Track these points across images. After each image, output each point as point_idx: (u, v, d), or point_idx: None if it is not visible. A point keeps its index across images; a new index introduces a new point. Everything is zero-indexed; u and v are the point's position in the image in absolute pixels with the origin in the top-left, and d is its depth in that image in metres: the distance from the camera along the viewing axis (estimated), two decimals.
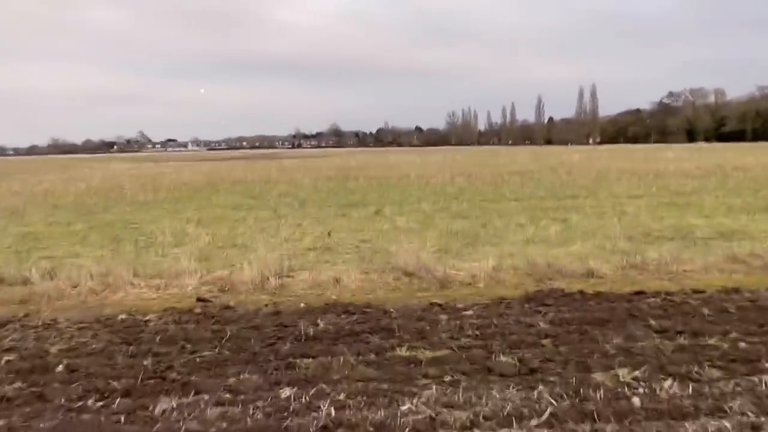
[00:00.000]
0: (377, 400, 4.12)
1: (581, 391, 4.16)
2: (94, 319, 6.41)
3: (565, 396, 4.10)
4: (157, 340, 5.53)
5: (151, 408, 4.10)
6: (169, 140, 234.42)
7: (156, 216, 14.39)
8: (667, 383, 4.28)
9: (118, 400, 4.25)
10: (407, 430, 3.72)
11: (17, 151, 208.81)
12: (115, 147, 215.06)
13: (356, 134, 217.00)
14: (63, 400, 4.26)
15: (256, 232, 11.40)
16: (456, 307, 6.52)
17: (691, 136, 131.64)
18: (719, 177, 21.49)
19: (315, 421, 3.83)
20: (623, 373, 4.46)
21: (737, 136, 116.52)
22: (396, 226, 11.76)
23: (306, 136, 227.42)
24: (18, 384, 4.57)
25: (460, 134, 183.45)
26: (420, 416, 3.88)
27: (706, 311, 5.98)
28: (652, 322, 5.63)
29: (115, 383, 4.50)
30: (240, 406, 4.09)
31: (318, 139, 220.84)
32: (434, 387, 4.30)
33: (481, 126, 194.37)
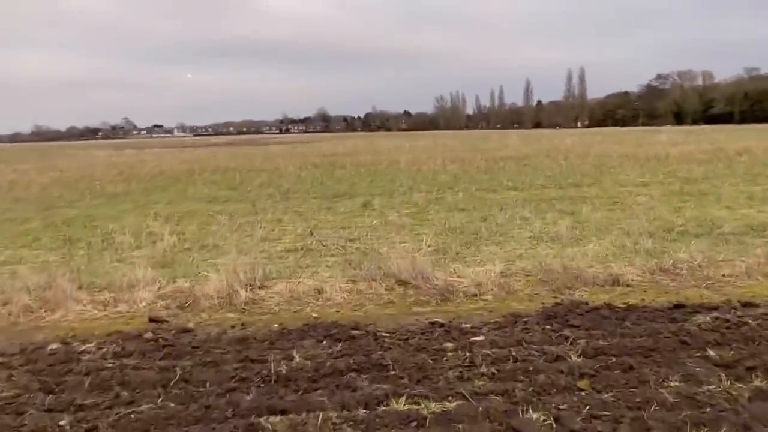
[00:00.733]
0: None
1: None
2: (20, 349, 5.20)
3: None
4: (87, 385, 4.33)
5: None
6: (155, 126, 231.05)
7: (123, 211, 13.10)
8: None
9: None
10: None
11: (0, 139, 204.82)
12: (100, 134, 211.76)
13: (344, 119, 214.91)
14: None
15: (230, 231, 10.18)
16: (462, 328, 5.36)
17: (679, 119, 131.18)
18: (725, 162, 20.45)
19: None
20: None
21: (725, 119, 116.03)
22: (386, 222, 10.58)
23: (294, 121, 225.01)
24: None
25: (448, 118, 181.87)
26: None
27: None
28: (711, 353, 4.50)
29: None
30: None
31: (306, 124, 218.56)
32: None
33: (470, 110, 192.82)
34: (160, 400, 4.05)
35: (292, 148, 49.17)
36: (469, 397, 3.91)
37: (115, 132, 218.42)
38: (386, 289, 6.70)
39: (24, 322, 6.04)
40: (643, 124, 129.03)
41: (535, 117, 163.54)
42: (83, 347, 5.17)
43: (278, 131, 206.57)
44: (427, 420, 3.64)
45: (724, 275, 6.83)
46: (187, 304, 6.34)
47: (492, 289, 6.55)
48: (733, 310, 5.60)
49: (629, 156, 24.72)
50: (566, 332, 5.07)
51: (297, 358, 4.69)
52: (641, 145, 34.43)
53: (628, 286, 6.60)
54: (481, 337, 5.05)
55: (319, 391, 4.09)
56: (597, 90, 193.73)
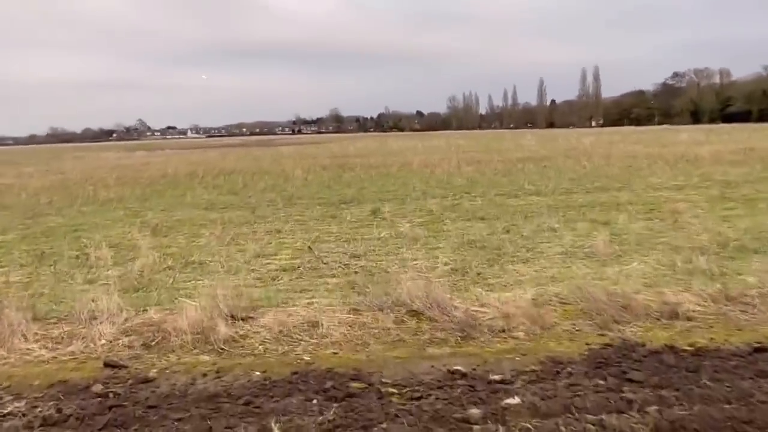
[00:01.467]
0: None
1: None
2: None
3: None
4: None
5: None
6: (169, 128, 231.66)
7: (111, 219, 12.08)
8: None
9: None
10: None
11: (17, 141, 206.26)
12: (114, 135, 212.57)
13: (357, 120, 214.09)
14: None
15: (221, 244, 9.09)
16: (490, 380, 4.23)
17: (695, 117, 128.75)
18: (761, 163, 19.08)
19: None
20: None
21: (743, 117, 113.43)
22: (397, 233, 9.44)
23: (306, 122, 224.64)
24: None
25: (461, 118, 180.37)
26: None
27: None
28: None
29: None
30: None
31: (318, 125, 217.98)
32: None
33: (483, 110, 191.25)
34: None
35: (302, 150, 48.18)
36: None
37: (129, 134, 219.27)
38: (395, 323, 5.56)
39: None
40: (659, 123, 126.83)
41: (549, 116, 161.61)
42: (10, 407, 4.09)
43: (291, 132, 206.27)
44: None
45: None
46: (154, 342, 5.25)
47: (523, 323, 5.39)
48: None
49: (655, 156, 23.38)
50: (627, 392, 3.91)
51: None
52: (665, 145, 33.00)
53: (689, 319, 5.42)
54: (516, 399, 3.90)
55: None
56: (611, 89, 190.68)
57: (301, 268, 7.50)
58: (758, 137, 39.65)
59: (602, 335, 5.11)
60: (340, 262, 7.68)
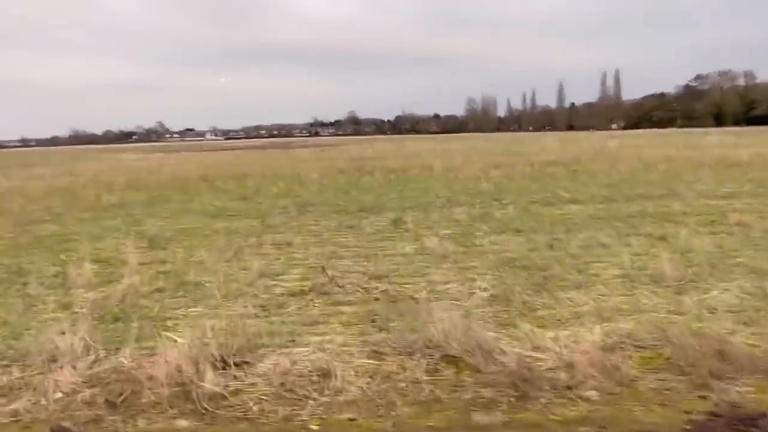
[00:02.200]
0: None
1: None
2: None
3: None
4: None
5: None
6: (188, 129, 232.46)
7: (108, 228, 11.04)
8: None
9: None
10: None
11: (39, 142, 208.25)
12: (134, 137, 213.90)
13: (374, 122, 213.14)
14: None
15: (222, 260, 7.98)
16: None
17: (718, 120, 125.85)
18: None
19: None
20: None
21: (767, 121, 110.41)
22: (423, 248, 8.26)
23: (323, 125, 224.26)
24: None
25: (479, 121, 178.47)
26: None
27: None
28: None
29: None
30: None
31: (336, 128, 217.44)
32: None
33: (501, 112, 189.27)
34: None
35: (319, 152, 47.18)
36: None
37: (148, 135, 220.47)
38: (427, 372, 4.39)
39: None
40: (681, 127, 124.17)
41: (569, 119, 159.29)
42: None
43: (308, 134, 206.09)
44: None
45: None
46: (122, 398, 4.13)
47: (593, 376, 4.19)
48: None
49: (693, 161, 21.95)
50: None
51: None
52: (697, 148, 31.42)
53: None
54: None
55: None
56: (632, 92, 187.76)
57: (313, 293, 6.34)
58: None
59: (702, 397, 3.90)
60: (358, 285, 6.52)
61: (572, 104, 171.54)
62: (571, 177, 17.65)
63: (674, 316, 5.32)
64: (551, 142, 52.12)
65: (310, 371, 4.43)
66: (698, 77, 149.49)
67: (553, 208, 11.76)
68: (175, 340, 4.96)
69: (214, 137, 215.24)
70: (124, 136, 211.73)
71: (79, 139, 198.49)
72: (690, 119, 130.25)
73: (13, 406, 4.05)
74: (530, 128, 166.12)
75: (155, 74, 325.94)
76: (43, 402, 4.10)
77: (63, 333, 4.99)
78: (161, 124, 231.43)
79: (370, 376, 4.34)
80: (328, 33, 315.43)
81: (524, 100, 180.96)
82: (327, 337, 5.09)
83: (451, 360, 4.53)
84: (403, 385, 4.22)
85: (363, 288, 6.45)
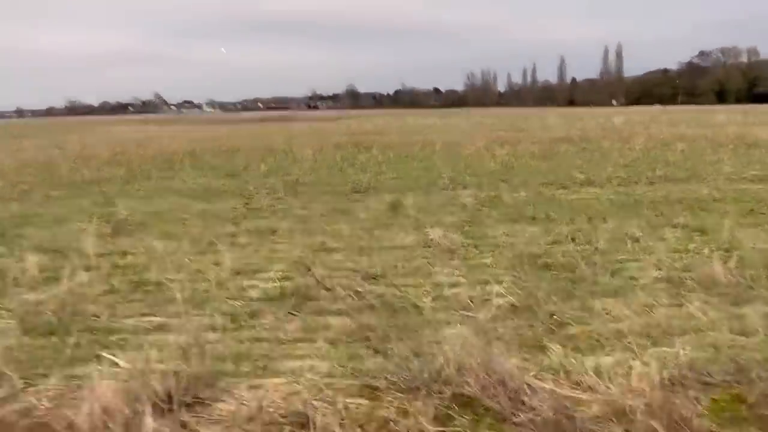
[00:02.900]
0: None
1: None
2: None
3: None
4: None
5: None
6: (186, 102, 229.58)
7: (75, 209, 9.94)
8: None
9: None
10: None
11: (35, 113, 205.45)
12: (131, 109, 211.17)
13: (373, 96, 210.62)
14: None
15: (194, 251, 6.91)
16: None
17: (721, 97, 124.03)
18: None
19: None
20: None
21: None
22: (425, 240, 7.18)
23: (322, 98, 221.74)
24: None
25: (479, 96, 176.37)
26: None
27: None
28: None
29: None
30: None
31: (335, 101, 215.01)
32: None
33: (501, 87, 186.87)
34: None
35: (315, 126, 45.82)
36: None
37: (145, 107, 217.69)
38: (436, 420, 3.35)
39: None
40: (683, 103, 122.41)
41: (569, 95, 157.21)
42: None
43: (306, 108, 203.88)
44: None
45: None
46: None
47: (653, 418, 3.16)
48: None
49: (708, 140, 20.79)
50: None
51: None
52: (708, 126, 30.22)
53: None
54: None
55: None
56: (634, 68, 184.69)
57: (295, 298, 5.28)
58: None
59: None
60: (349, 288, 5.45)
61: (573, 80, 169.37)
62: (582, 156, 16.51)
63: (740, 337, 4.28)
64: (554, 118, 50.81)
65: (283, 415, 3.39)
66: (701, 54, 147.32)
67: (568, 191, 10.67)
68: (117, 364, 3.94)
69: (211, 110, 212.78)
70: (121, 108, 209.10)
71: (75, 110, 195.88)
72: (692, 96, 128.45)
73: None
74: (530, 103, 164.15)
75: (153, 46, 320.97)
76: None
77: None
78: (158, 96, 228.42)
79: (361, 426, 3.30)
80: (329, 5, 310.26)
81: (525, 75, 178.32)
82: (308, 363, 4.04)
83: (466, 402, 3.49)
84: None
85: (354, 292, 5.38)
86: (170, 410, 3.43)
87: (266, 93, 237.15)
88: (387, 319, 4.73)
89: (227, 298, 5.26)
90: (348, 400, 3.52)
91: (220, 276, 5.85)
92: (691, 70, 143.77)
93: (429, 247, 6.88)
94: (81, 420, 3.24)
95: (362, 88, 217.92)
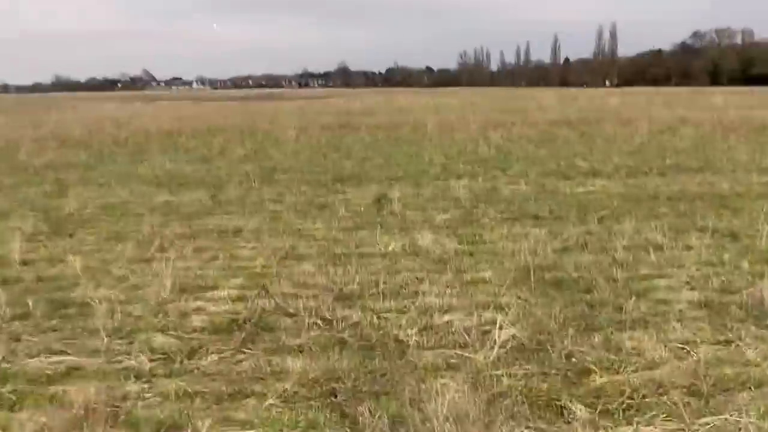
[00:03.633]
0: None
1: None
2: None
3: None
4: None
5: None
6: (175, 78, 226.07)
7: (18, 201, 8.84)
8: None
9: None
10: None
11: (20, 89, 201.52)
12: (119, 85, 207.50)
13: (365, 74, 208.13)
14: None
15: (138, 259, 5.84)
16: None
17: (714, 79, 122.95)
18: None
19: None
20: None
21: (766, 80, 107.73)
22: (413, 245, 6.14)
23: (313, 76, 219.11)
24: None
25: (472, 75, 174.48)
26: None
27: None
28: None
29: None
30: None
31: (326, 79, 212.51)
32: None
33: (494, 66, 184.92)
34: None
35: (304, 104, 44.47)
36: None
37: (134, 83, 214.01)
38: None
39: None
40: (676, 85, 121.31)
41: (563, 75, 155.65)
42: None
43: (298, 85, 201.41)
44: None
45: None
46: None
47: None
48: None
49: (713, 124, 19.78)
50: None
51: None
52: (708, 110, 29.21)
53: None
54: None
55: None
56: (627, 48, 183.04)
57: (248, 327, 4.24)
58: None
59: None
60: (317, 315, 4.41)
61: (567, 60, 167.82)
62: (583, 142, 15.47)
63: None
64: (548, 99, 49.62)
65: None
66: (695, 34, 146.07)
67: (572, 183, 9.65)
68: None
69: (200, 86, 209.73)
70: (109, 84, 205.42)
71: (61, 86, 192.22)
72: (685, 77, 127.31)
73: None
74: (523, 83, 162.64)
75: (142, 21, 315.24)
76: None
77: None
78: (147, 72, 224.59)
79: None
80: None
81: (518, 54, 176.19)
82: None
83: None
84: None
85: (323, 320, 4.34)
86: None
87: (257, 70, 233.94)
88: (360, 361, 3.71)
89: (161, 329, 4.21)
90: None
91: (160, 295, 4.79)
92: (685, 51, 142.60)
93: (417, 255, 5.85)
94: None
95: (354, 67, 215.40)
